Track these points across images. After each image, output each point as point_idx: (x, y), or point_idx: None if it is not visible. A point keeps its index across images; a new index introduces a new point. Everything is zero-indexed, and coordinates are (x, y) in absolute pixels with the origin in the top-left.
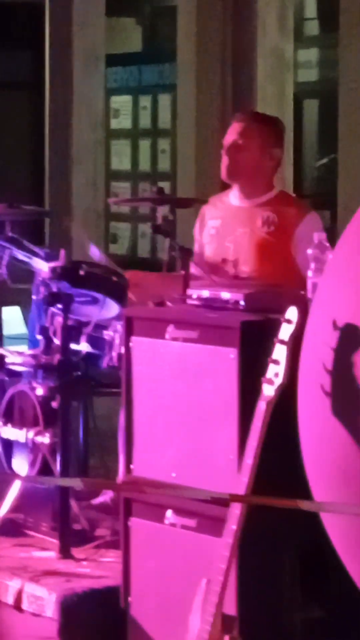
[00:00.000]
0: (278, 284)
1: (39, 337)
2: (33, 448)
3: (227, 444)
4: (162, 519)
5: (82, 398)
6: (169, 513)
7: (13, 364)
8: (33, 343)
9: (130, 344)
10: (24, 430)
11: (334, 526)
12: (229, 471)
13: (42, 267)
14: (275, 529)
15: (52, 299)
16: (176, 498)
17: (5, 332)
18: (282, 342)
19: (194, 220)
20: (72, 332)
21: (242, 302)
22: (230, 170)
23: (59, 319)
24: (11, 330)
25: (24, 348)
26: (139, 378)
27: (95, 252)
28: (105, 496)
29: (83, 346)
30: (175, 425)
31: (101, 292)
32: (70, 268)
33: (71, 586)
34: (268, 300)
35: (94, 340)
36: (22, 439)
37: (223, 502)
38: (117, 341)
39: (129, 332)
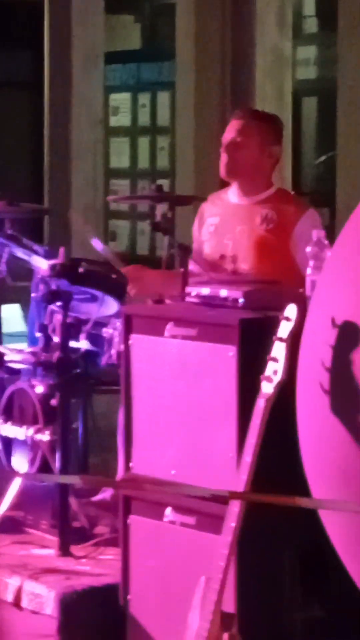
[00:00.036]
0: (277, 282)
1: (39, 334)
2: (32, 446)
3: (226, 441)
4: (161, 516)
5: (82, 395)
6: (168, 511)
7: (12, 361)
8: (32, 341)
9: (130, 342)
10: (24, 427)
11: (333, 525)
12: (228, 469)
13: (42, 264)
14: (275, 527)
15: (52, 296)
16: (175, 495)
17: (5, 329)
18: (281, 339)
19: (193, 218)
20: (71, 330)
21: (241, 300)
22: (229, 168)
23: (59, 317)
24: (11, 327)
25: (23, 346)
26: (138, 375)
27: (98, 244)
28: (105, 494)
29: (82, 344)
30: (175, 423)
31: (100, 290)
32: (69, 266)
33: (71, 584)
34: (267, 297)
35: (94, 338)
36: (21, 437)
37: (222, 499)
38: (116, 339)
39: (128, 329)
